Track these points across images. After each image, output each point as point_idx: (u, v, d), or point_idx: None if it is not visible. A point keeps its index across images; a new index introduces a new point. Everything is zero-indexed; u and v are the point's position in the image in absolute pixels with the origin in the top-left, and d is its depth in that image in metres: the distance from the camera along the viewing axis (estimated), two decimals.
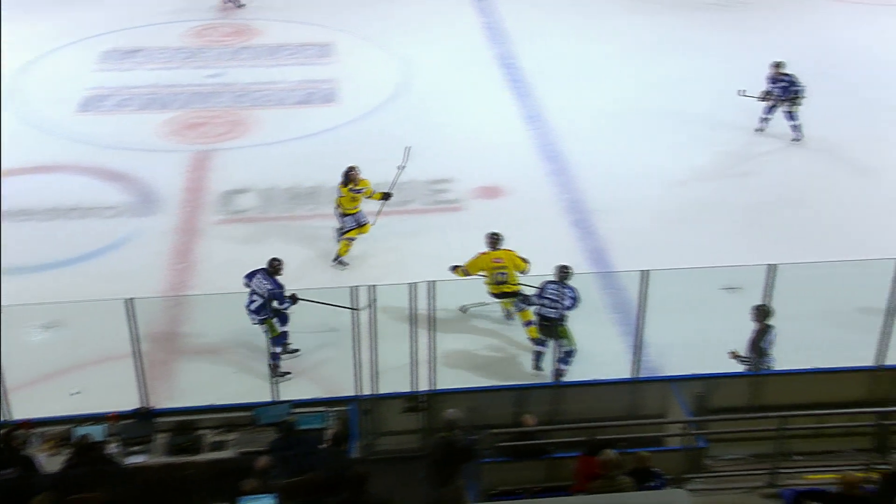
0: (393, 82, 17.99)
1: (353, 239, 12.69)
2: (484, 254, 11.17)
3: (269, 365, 10.06)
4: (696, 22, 20.75)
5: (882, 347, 9.53)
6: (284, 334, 10.58)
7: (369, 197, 12.64)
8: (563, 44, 19.62)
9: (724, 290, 11.30)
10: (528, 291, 10.75)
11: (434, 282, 9.29)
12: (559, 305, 10.25)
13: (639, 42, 19.68)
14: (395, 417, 9.62)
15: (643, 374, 9.87)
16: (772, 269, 9.34)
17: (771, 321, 9.78)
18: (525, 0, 21.89)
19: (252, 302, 10.46)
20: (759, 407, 9.62)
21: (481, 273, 11.09)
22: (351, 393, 9.50)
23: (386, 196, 12.76)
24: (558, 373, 10.40)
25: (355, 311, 9.23)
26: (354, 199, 12.58)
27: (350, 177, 12.51)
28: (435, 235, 13.29)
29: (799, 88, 15.33)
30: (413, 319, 9.37)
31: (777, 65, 15.50)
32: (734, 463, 9.30)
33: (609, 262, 12.45)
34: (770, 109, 15.73)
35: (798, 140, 15.64)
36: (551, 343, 10.45)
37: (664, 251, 12.35)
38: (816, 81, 16.03)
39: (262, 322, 10.40)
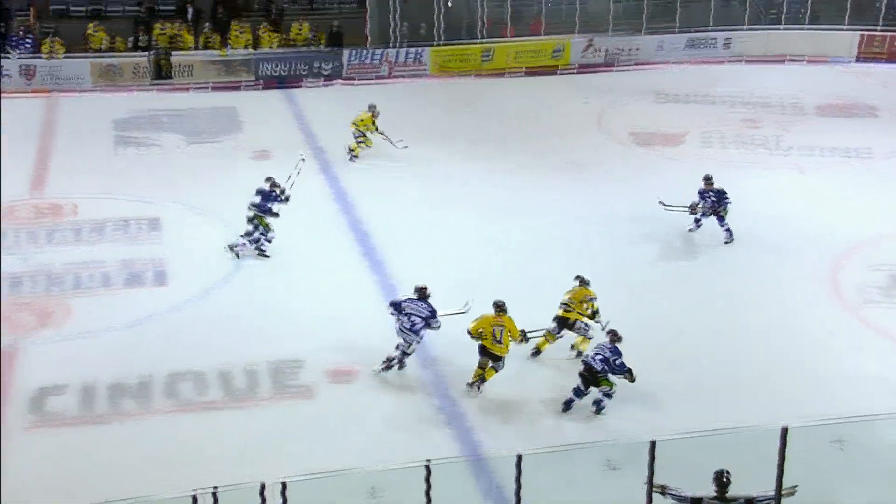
0: (231, 257, 17.83)
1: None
2: (487, 315, 13.68)
3: (260, 249, 17.50)
4: (550, 181, 21.74)
5: None
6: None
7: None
8: (412, 210, 20.09)
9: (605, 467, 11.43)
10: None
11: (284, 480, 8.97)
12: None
13: (492, 205, 20.40)
14: None
15: None
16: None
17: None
18: (369, 167, 22.41)
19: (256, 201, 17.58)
20: None
21: (480, 331, 13.57)
22: None
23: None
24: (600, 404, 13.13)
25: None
26: None
27: None
28: (284, 428, 13.11)
29: (728, 199, 18.30)
30: None
31: (708, 181, 18.46)
32: None
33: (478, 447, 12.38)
34: (703, 215, 18.54)
35: (730, 242, 18.54)
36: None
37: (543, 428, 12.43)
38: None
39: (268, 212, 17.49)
